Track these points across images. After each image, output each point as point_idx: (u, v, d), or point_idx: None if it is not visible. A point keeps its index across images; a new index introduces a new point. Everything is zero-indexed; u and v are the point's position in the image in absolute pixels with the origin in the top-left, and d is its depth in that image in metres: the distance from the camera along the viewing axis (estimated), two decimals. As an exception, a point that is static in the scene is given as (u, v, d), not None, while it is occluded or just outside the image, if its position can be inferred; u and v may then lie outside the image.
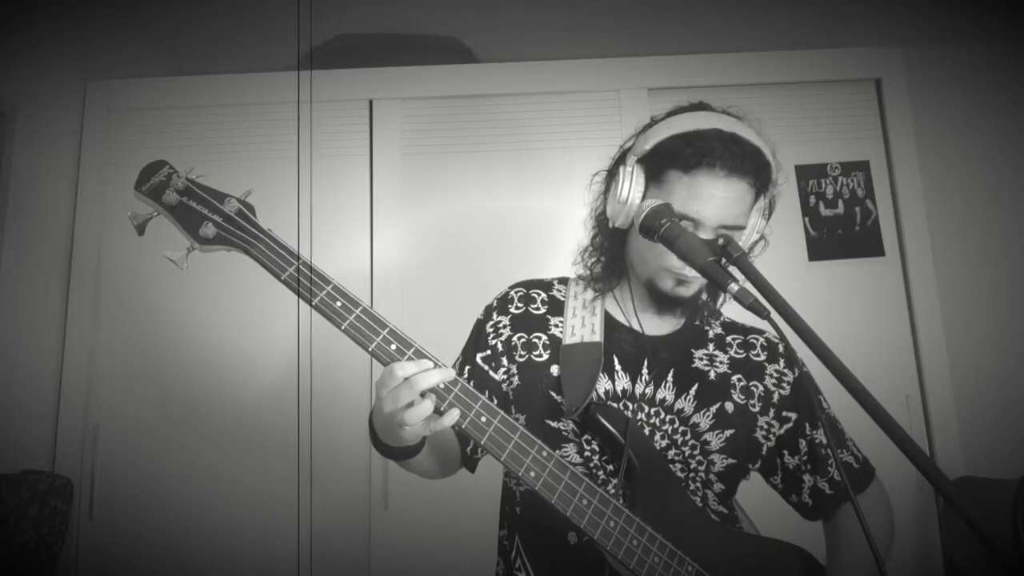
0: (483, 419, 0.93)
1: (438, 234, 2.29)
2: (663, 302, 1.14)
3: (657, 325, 1.18)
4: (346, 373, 2.17)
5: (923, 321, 2.24)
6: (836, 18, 2.38)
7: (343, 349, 2.14)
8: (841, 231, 2.30)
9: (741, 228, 1.07)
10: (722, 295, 1.19)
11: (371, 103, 2.35)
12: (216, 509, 2.12)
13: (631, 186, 1.09)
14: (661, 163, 1.08)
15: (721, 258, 0.94)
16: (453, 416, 0.91)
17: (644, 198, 1.09)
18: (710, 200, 1.04)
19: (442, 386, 0.92)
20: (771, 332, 1.20)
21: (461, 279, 2.22)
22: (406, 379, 0.88)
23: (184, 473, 2.13)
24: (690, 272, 1.07)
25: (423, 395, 0.90)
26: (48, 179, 2.20)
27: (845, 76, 2.38)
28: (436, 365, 0.91)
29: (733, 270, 0.92)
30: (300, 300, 0.94)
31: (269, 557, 2.09)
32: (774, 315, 0.85)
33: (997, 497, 1.85)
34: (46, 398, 2.14)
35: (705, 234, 1.04)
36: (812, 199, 2.31)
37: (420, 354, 0.93)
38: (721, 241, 0.95)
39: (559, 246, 2.21)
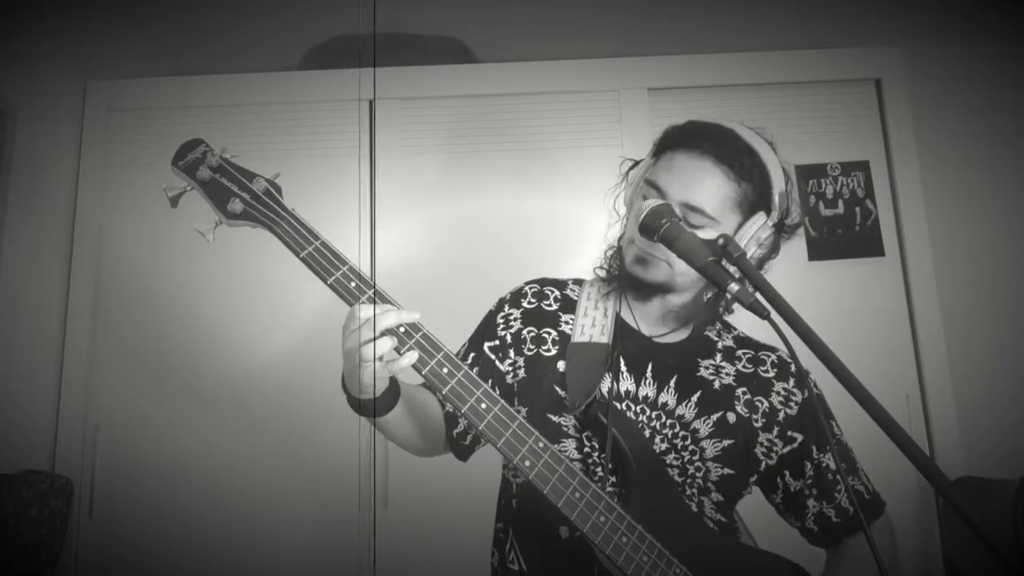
0: (483, 406, 0.95)
1: (438, 234, 2.29)
2: (626, 282, 1.14)
3: (659, 327, 1.17)
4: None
5: (923, 321, 2.24)
6: (836, 18, 2.38)
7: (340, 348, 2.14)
8: (841, 231, 2.30)
9: (707, 216, 1.05)
10: (726, 305, 1.18)
11: (371, 103, 2.35)
12: (217, 508, 2.11)
13: (639, 171, 1.17)
14: (663, 147, 1.15)
15: (721, 258, 0.94)
16: (411, 357, 0.94)
17: (643, 179, 1.15)
18: (678, 173, 1.08)
19: (403, 329, 0.95)
20: (784, 351, 1.17)
21: (461, 278, 2.22)
22: (366, 320, 0.92)
23: (184, 473, 2.13)
24: (648, 247, 1.07)
25: (382, 334, 0.93)
26: (48, 179, 2.20)
27: (845, 76, 2.38)
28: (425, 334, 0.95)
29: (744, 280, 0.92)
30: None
31: (270, 556, 2.09)
32: (774, 315, 0.85)
33: (997, 497, 1.85)
34: (46, 398, 2.14)
35: None
36: (812, 199, 2.31)
37: (428, 340, 0.96)
38: (721, 241, 0.95)
39: (559, 245, 2.23)
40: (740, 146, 1.08)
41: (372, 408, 1.03)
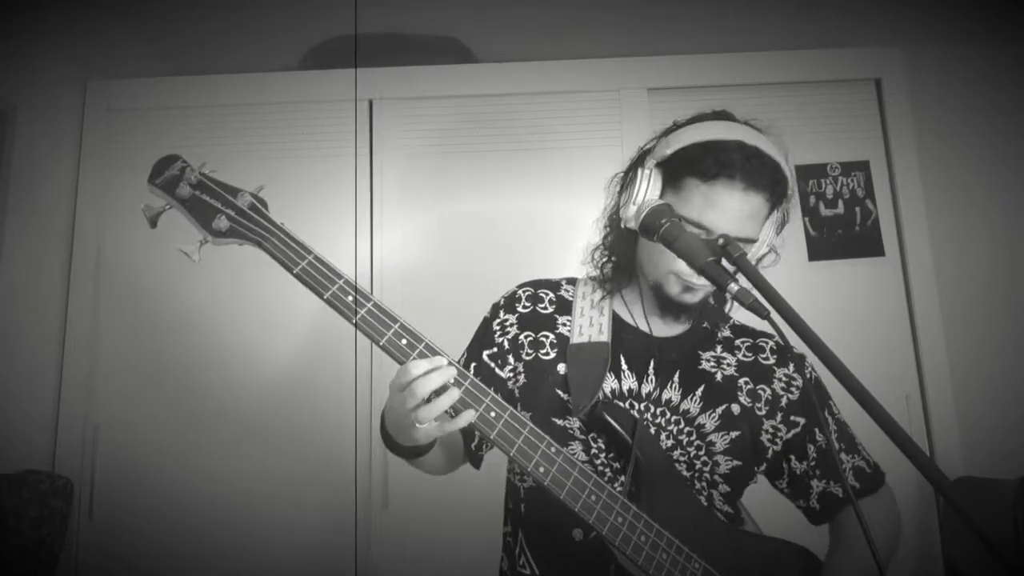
0: (492, 414, 0.94)
1: (438, 234, 2.29)
2: (668, 306, 1.14)
3: (664, 327, 1.18)
4: (346, 371, 2.17)
5: (923, 321, 2.24)
6: (836, 18, 2.38)
7: (340, 347, 2.15)
8: (841, 231, 2.30)
9: (753, 241, 1.08)
10: (730, 301, 1.17)
11: (371, 103, 2.35)
12: (217, 509, 2.11)
13: (647, 189, 1.08)
14: (680, 170, 1.08)
15: (721, 258, 0.94)
16: (467, 417, 0.91)
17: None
18: (726, 211, 1.04)
19: (452, 382, 0.92)
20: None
21: (461, 279, 2.22)
22: (416, 378, 0.89)
23: (184, 473, 2.13)
24: (698, 280, 1.06)
25: (436, 393, 0.90)
26: (48, 179, 2.20)
27: (845, 76, 2.38)
28: (449, 363, 0.92)
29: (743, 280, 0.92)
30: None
31: (270, 556, 2.09)
32: (774, 315, 0.85)
33: (997, 497, 1.85)
34: (46, 398, 2.14)
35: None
36: (812, 199, 2.31)
37: (431, 349, 0.93)
38: (721, 241, 0.95)
39: (559, 246, 2.22)
40: (768, 164, 1.06)
41: (413, 451, 1.03)
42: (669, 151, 1.09)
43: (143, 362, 2.20)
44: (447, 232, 2.29)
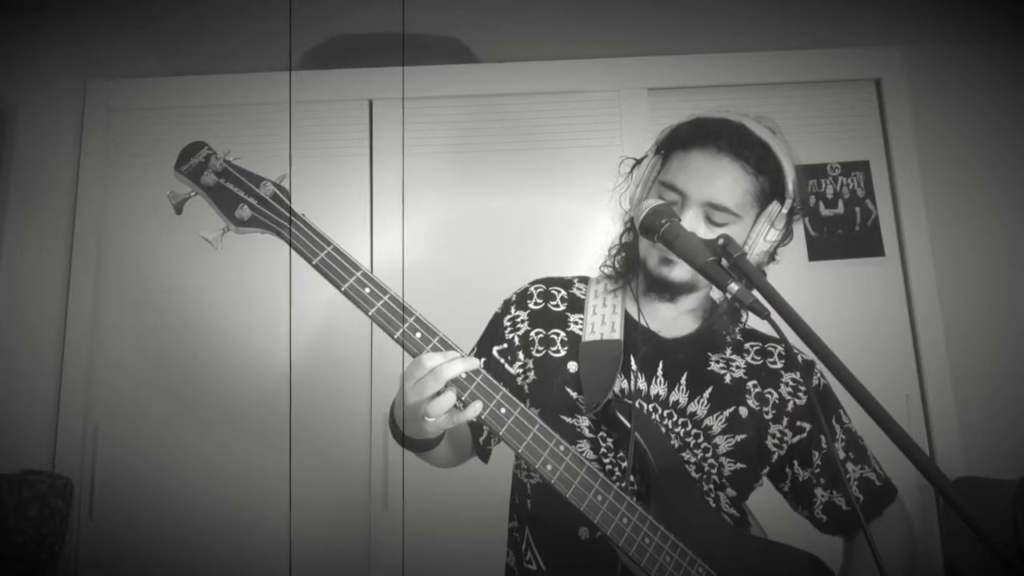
0: (503, 410, 0.94)
1: (438, 234, 2.29)
2: (652, 284, 1.13)
3: (669, 324, 1.17)
4: (346, 370, 2.17)
5: (923, 321, 2.24)
6: (836, 18, 2.38)
7: (344, 346, 2.15)
8: (841, 231, 2.30)
9: (731, 213, 1.06)
10: (745, 312, 1.15)
11: (371, 103, 2.35)
12: (217, 509, 2.11)
13: (644, 168, 1.15)
14: (671, 146, 1.13)
15: (721, 258, 0.94)
16: (475, 409, 0.92)
17: (655, 180, 1.13)
18: (697, 173, 1.06)
19: (464, 376, 0.92)
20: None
21: (461, 279, 2.22)
22: (432, 369, 0.89)
23: (184, 473, 2.13)
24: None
25: (446, 386, 0.90)
26: (48, 179, 2.20)
27: (845, 76, 2.38)
28: (462, 355, 0.92)
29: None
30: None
31: (270, 556, 2.09)
32: (774, 315, 0.85)
33: (997, 497, 1.85)
34: (46, 398, 2.14)
35: (692, 210, 1.06)
36: (812, 199, 2.31)
37: (445, 343, 0.93)
38: (721, 241, 0.95)
39: (559, 245, 2.23)
40: (752, 140, 1.08)
41: (423, 444, 1.03)
42: (666, 133, 1.15)
43: (143, 362, 2.20)
44: (446, 232, 2.29)
